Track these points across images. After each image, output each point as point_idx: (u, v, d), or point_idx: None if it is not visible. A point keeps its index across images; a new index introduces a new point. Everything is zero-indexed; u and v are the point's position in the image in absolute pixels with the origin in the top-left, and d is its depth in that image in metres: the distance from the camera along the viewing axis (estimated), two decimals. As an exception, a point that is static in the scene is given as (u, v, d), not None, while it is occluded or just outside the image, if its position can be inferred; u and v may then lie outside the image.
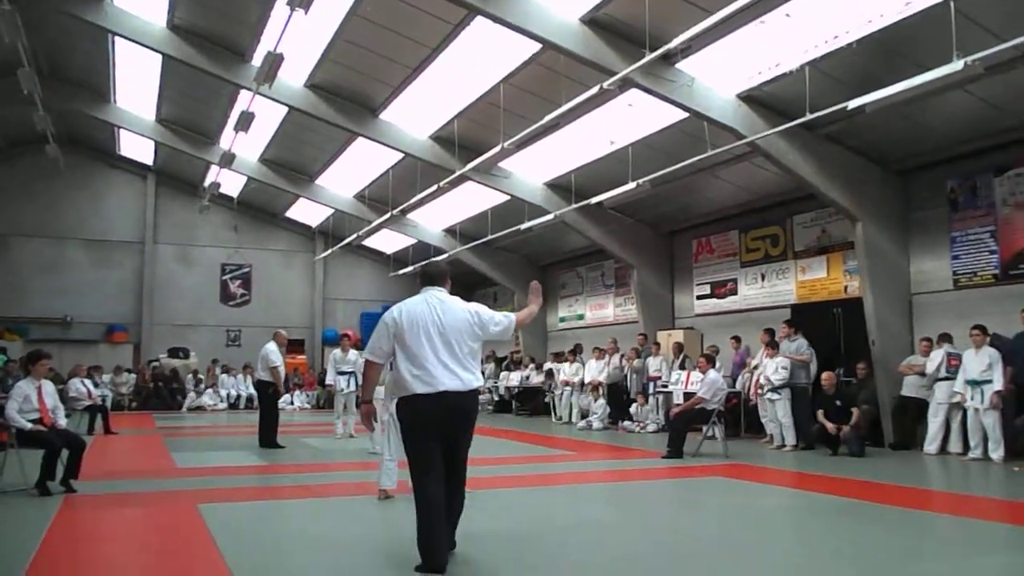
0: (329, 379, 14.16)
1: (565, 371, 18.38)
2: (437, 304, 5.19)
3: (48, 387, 8.58)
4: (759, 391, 12.75)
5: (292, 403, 23.59)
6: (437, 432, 4.99)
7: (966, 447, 10.90)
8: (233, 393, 23.87)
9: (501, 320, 5.27)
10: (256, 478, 9.86)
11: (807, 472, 9.90)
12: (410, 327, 5.09)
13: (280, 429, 12.74)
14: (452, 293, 5.45)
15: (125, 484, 8.86)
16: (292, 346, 26.38)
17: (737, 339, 15.16)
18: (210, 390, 23.47)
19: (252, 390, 23.41)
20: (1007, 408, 10.42)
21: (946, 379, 11.15)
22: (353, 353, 14.12)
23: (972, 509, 7.43)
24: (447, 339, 5.06)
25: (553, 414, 18.79)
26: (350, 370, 13.89)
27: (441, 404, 4.95)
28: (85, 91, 19.73)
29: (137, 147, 24.06)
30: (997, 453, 10.33)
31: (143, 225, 26.25)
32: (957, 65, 8.28)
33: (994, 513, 7.43)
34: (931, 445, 11.35)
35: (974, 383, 10.59)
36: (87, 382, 16.07)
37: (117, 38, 15.77)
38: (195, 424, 18.64)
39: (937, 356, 11.36)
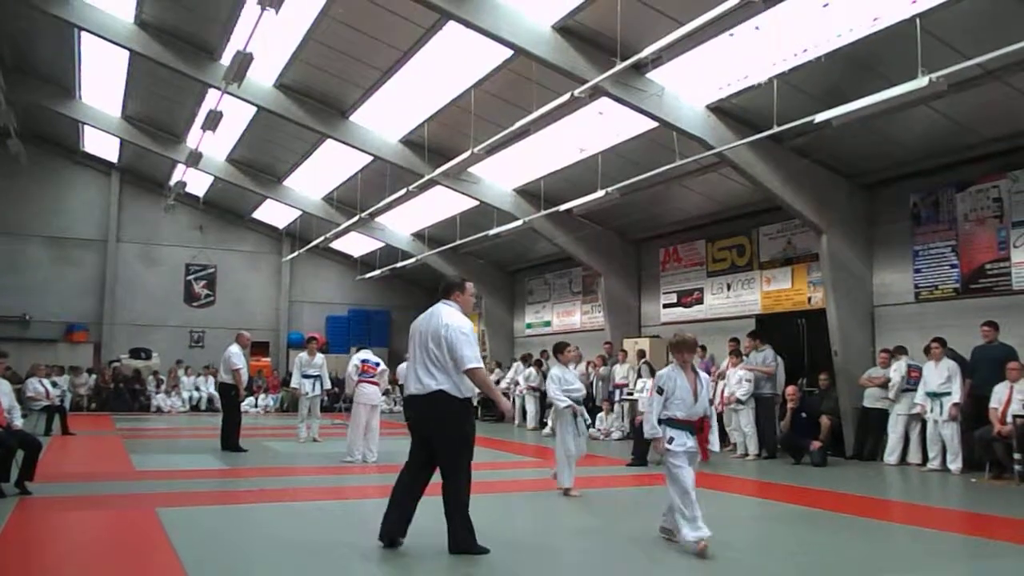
0: (294, 382, 14.03)
1: (531, 376, 18.34)
2: (432, 314, 5.81)
3: (4, 387, 8.44)
4: (724, 402, 12.83)
5: (256, 406, 23.37)
6: (414, 429, 5.85)
7: (925, 458, 11.06)
8: (195, 395, 23.58)
9: (462, 356, 5.55)
10: (216, 482, 9.73)
11: (770, 481, 9.98)
12: (411, 336, 5.88)
13: (243, 432, 12.60)
14: (420, 297, 5.69)
15: (82, 486, 8.72)
16: (257, 348, 26.10)
17: (703, 348, 15.24)
18: (173, 392, 23.16)
19: (213, 391, 23.27)
20: (965, 420, 10.58)
21: (906, 391, 11.31)
22: (319, 357, 14.04)
23: (930, 520, 7.53)
24: (424, 346, 5.67)
25: (517, 418, 18.77)
26: (315, 373, 13.80)
27: (410, 405, 5.80)
28: (50, 86, 19.40)
29: (102, 144, 23.69)
30: (955, 464, 10.49)
31: (106, 223, 25.84)
32: (922, 81, 8.41)
33: (951, 524, 7.53)
34: (891, 456, 11.50)
35: (933, 395, 10.76)
36: (45, 382, 15.78)
37: (84, 33, 15.53)
38: (155, 426, 18.38)
39: (899, 368, 11.52)
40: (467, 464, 5.68)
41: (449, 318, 5.68)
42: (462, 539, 5.57)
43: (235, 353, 12.45)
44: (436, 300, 5.98)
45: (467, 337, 5.61)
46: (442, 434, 5.63)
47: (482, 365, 5.69)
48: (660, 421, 5.92)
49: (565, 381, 8.66)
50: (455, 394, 5.56)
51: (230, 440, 12.22)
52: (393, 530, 5.69)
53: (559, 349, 9.03)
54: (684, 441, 5.90)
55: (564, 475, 8.43)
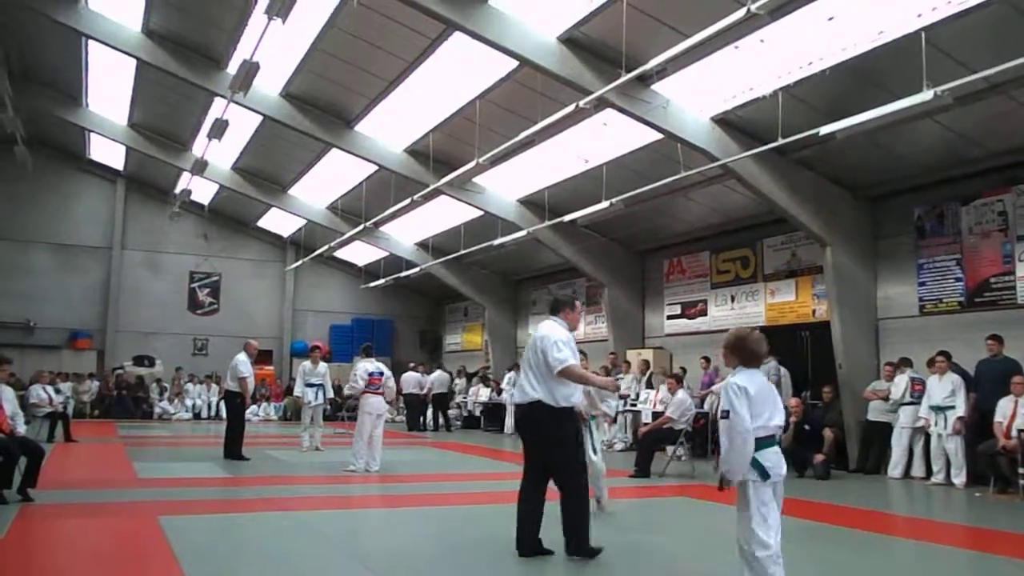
0: (297, 391, 14.03)
1: None
2: (538, 329, 6.09)
3: (8, 393, 8.43)
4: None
5: (258, 414, 23.39)
6: (522, 435, 6.17)
7: (929, 472, 11.03)
8: (199, 403, 23.58)
9: (556, 357, 5.74)
10: (219, 490, 9.72)
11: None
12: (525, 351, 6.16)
13: (245, 441, 12.58)
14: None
15: (84, 494, 8.70)
16: (260, 357, 25.99)
17: (707, 359, 15.24)
18: (176, 399, 23.19)
19: (216, 400, 23.33)
20: (970, 434, 10.55)
21: (910, 404, 11.29)
22: (323, 365, 14.03)
23: (933, 534, 7.49)
24: (527, 359, 5.97)
25: None
26: (319, 382, 13.79)
27: (516, 414, 6.17)
28: (56, 93, 19.49)
29: (108, 151, 23.77)
30: (959, 478, 10.46)
31: (111, 230, 25.89)
32: (927, 95, 8.41)
33: (955, 539, 7.50)
34: (895, 469, 11.47)
35: (938, 409, 10.74)
36: (48, 388, 15.79)
37: (91, 41, 15.60)
38: (158, 434, 18.38)
39: (902, 381, 11.50)
40: (572, 467, 5.88)
41: (547, 330, 5.95)
42: (576, 544, 5.77)
43: (242, 361, 12.44)
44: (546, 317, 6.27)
45: (558, 344, 5.79)
46: (550, 442, 5.85)
47: (573, 362, 5.79)
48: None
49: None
50: (550, 403, 5.77)
51: (233, 448, 12.20)
52: (529, 540, 5.85)
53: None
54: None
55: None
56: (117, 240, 25.92)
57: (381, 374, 11.42)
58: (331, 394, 15.30)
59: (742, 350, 4.38)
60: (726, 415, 4.16)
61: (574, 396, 5.94)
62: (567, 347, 5.81)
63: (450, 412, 21.88)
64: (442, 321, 29.11)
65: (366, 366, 11.42)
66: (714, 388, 13.34)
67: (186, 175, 21.01)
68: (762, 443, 4.19)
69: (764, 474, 4.16)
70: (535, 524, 5.85)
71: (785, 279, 14.98)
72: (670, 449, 11.86)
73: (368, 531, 7.40)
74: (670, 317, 17.87)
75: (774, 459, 4.21)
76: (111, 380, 23.66)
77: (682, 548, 6.59)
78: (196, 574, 5.17)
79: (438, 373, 21.44)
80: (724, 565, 5.92)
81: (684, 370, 15.09)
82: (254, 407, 23.51)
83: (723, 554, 6.25)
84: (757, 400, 4.18)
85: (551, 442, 5.83)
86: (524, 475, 6.00)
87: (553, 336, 5.83)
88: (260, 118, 17.09)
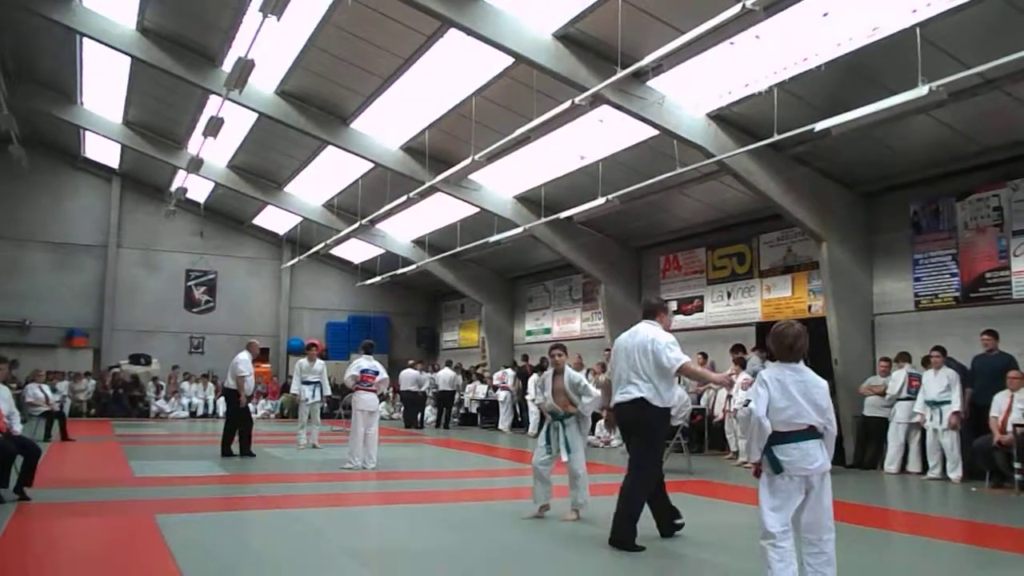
0: (294, 388, 14.02)
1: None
2: (637, 332, 6.33)
3: (4, 392, 8.42)
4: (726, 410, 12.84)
5: (256, 411, 23.38)
6: (625, 432, 6.57)
7: (925, 467, 11.05)
8: (196, 401, 23.56)
9: (672, 356, 6.09)
10: (216, 488, 9.71)
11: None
12: (615, 351, 6.46)
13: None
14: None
15: (81, 493, 8.70)
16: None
17: (703, 355, 15.25)
18: (172, 398, 23.18)
19: (212, 399, 23.38)
20: (965, 429, 10.58)
21: (906, 399, 11.31)
22: (319, 363, 14.02)
23: (930, 529, 7.52)
24: (630, 359, 6.20)
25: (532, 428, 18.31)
26: (315, 380, 13.78)
27: (618, 412, 6.36)
28: (51, 91, 19.44)
29: (103, 150, 23.70)
30: (955, 473, 10.49)
31: (107, 229, 25.83)
32: (922, 90, 8.42)
33: (951, 533, 7.52)
34: (891, 464, 11.50)
35: (933, 404, 10.76)
36: (44, 387, 15.77)
37: (85, 39, 15.55)
38: (154, 432, 18.36)
39: (899, 377, 11.53)
40: (651, 464, 6.22)
41: (653, 333, 6.23)
42: (621, 530, 6.01)
43: (243, 360, 12.48)
44: (639, 320, 6.56)
45: (670, 345, 6.13)
46: (639, 435, 6.20)
47: (688, 360, 6.19)
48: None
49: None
50: (656, 402, 6.09)
51: (229, 446, 12.25)
52: (663, 523, 6.42)
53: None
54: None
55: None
56: (113, 238, 25.87)
57: (376, 373, 11.40)
58: (328, 391, 15.29)
59: (775, 344, 4.53)
60: (746, 403, 4.45)
61: (673, 398, 6.35)
62: (677, 347, 6.17)
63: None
64: (438, 318, 29.11)
65: (360, 363, 11.42)
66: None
67: (181, 173, 20.99)
68: (783, 438, 4.28)
69: (777, 467, 4.26)
70: (666, 506, 6.42)
71: (781, 275, 15.00)
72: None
73: (365, 529, 7.40)
74: (666, 313, 17.84)
75: (794, 454, 4.26)
76: (107, 379, 23.62)
77: (677, 543, 6.59)
78: (193, 572, 5.17)
79: (445, 371, 21.45)
80: (718, 559, 5.95)
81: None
82: (249, 404, 23.48)
83: (718, 549, 6.28)
84: (779, 395, 4.31)
85: (644, 434, 6.15)
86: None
87: (662, 338, 6.17)
88: (255, 116, 17.05)
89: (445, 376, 21.20)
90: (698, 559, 6.04)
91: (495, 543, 6.50)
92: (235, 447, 12.34)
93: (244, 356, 12.58)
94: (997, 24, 8.89)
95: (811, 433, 4.31)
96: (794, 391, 4.31)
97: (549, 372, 7.61)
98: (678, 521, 6.48)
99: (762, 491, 4.34)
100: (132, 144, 21.20)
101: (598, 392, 7.53)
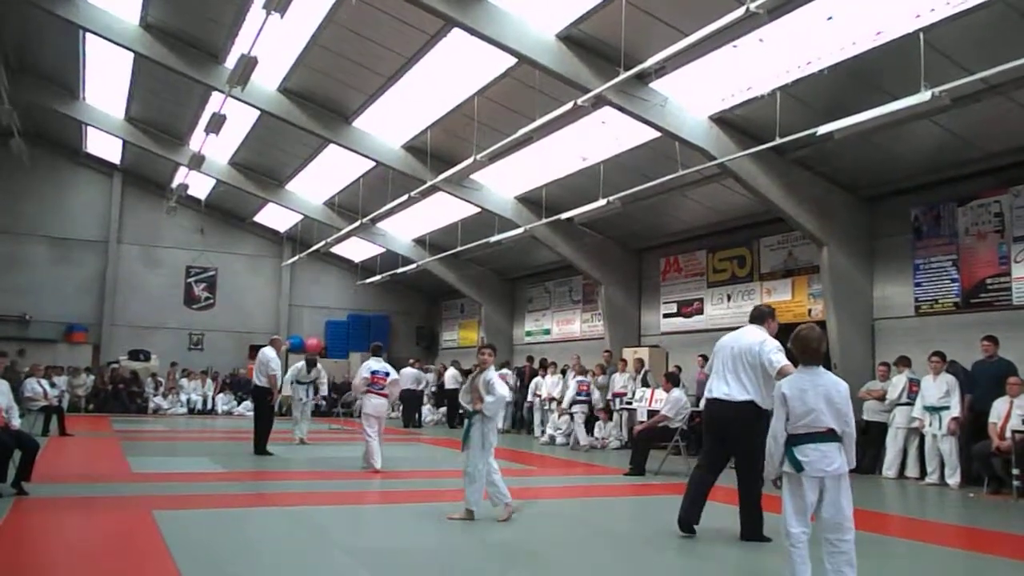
0: (286, 390, 14.08)
1: (547, 385, 17.59)
2: (744, 334, 6.66)
3: (3, 386, 8.41)
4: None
5: (252, 409, 23.43)
6: (715, 430, 6.81)
7: (923, 472, 11.04)
8: (194, 398, 23.55)
9: (775, 359, 6.30)
10: (213, 485, 9.69)
11: (767, 493, 9.93)
12: (718, 351, 6.80)
13: (239, 436, 12.57)
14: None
15: (79, 488, 8.70)
16: (254, 352, 26.13)
17: (704, 357, 15.22)
18: (170, 394, 23.18)
19: (212, 395, 23.39)
20: (964, 435, 10.57)
21: (906, 404, 11.31)
22: (317, 367, 14.17)
23: (927, 534, 7.51)
24: (735, 360, 6.52)
25: (536, 430, 17.98)
26: (309, 381, 13.95)
27: (715, 409, 6.63)
28: (54, 86, 19.45)
29: (104, 145, 23.71)
30: (954, 479, 10.48)
31: (107, 224, 25.83)
32: (924, 96, 8.42)
33: (949, 539, 7.51)
34: (889, 469, 11.48)
35: (932, 409, 10.75)
36: (43, 382, 15.76)
37: (88, 34, 15.55)
38: (152, 428, 18.35)
39: (898, 381, 11.52)
40: (761, 466, 6.03)
41: (762, 337, 6.53)
42: (750, 530, 6.47)
43: (272, 358, 12.48)
44: (747, 323, 6.91)
45: (775, 349, 6.37)
46: (746, 438, 6.37)
47: (788, 363, 6.18)
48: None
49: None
50: (762, 405, 6.30)
51: (262, 444, 12.27)
52: (689, 518, 6.59)
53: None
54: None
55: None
56: (113, 234, 25.87)
57: (387, 374, 11.09)
58: (325, 392, 15.46)
59: (800, 347, 4.67)
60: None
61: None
62: (781, 351, 6.36)
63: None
64: (438, 318, 29.10)
65: (370, 364, 11.20)
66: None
67: (183, 169, 20.99)
68: (802, 439, 4.45)
69: (798, 467, 4.41)
70: (700, 506, 6.62)
71: (781, 278, 15.00)
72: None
73: (364, 527, 7.40)
74: (666, 316, 17.88)
75: (814, 455, 4.40)
76: (106, 374, 23.61)
77: (675, 544, 6.59)
78: (190, 568, 5.16)
79: (452, 370, 21.44)
80: (714, 561, 5.94)
81: (679, 368, 15.09)
82: (247, 402, 23.52)
83: (715, 550, 6.27)
84: (798, 402, 4.47)
85: (755, 438, 6.05)
86: (702, 465, 6.80)
87: (770, 342, 6.45)
88: (258, 113, 17.08)
89: (452, 376, 21.17)
90: (689, 560, 6.02)
91: (496, 542, 6.49)
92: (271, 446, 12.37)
93: (272, 354, 12.55)
94: (1000, 30, 8.89)
95: (830, 436, 4.44)
96: (814, 396, 4.46)
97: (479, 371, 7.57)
98: (695, 525, 6.66)
99: (785, 495, 4.49)
100: (134, 140, 21.21)
101: (503, 393, 7.39)
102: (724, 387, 6.55)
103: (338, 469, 10.92)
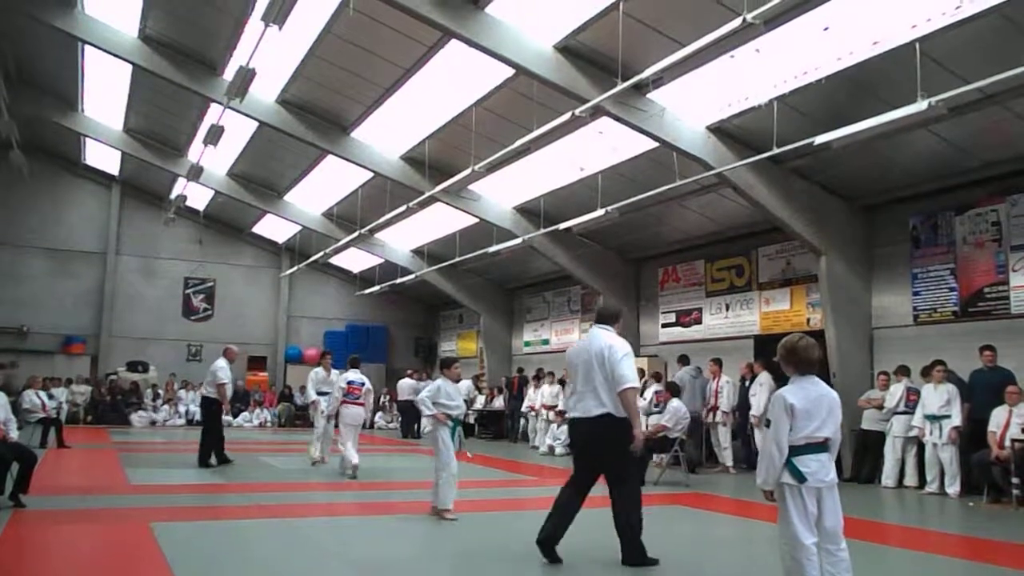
0: (310, 398, 13.61)
1: (544, 394, 17.73)
2: (592, 338, 6.04)
3: (1, 398, 8.39)
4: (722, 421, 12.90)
5: (251, 420, 23.42)
6: (580, 451, 6.22)
7: (923, 481, 11.03)
8: (193, 409, 23.48)
9: (622, 375, 5.75)
10: (211, 497, 9.68)
11: (762, 502, 9.92)
12: (571, 364, 6.13)
13: (240, 447, 12.52)
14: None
15: (77, 500, 8.68)
16: (254, 363, 26.14)
17: (698, 369, 15.20)
18: (166, 405, 23.14)
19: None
20: (963, 444, 10.56)
21: (904, 413, 11.30)
22: (334, 373, 13.94)
23: (928, 544, 7.50)
24: (589, 371, 5.90)
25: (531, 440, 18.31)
26: (329, 390, 13.76)
27: (576, 428, 6.10)
28: (52, 98, 19.47)
29: (103, 157, 23.75)
30: (953, 488, 10.47)
31: (106, 236, 25.83)
32: (921, 105, 8.45)
33: (948, 548, 7.50)
34: (888, 479, 11.47)
35: (933, 418, 10.74)
36: (41, 394, 15.72)
37: (87, 46, 15.59)
38: (150, 440, 18.31)
39: (897, 390, 11.52)
40: (634, 479, 6.03)
41: (611, 340, 5.96)
42: (631, 552, 5.88)
43: (221, 367, 12.25)
44: (593, 325, 6.31)
45: (628, 358, 5.85)
46: (610, 454, 5.89)
47: (637, 386, 5.89)
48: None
49: (447, 395, 8.42)
50: (619, 415, 5.79)
51: (207, 455, 12.02)
52: (549, 536, 5.91)
53: (446, 364, 8.94)
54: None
55: (447, 495, 8.05)
56: (112, 245, 25.87)
57: (362, 384, 11.61)
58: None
59: (795, 359, 4.54)
60: (768, 424, 4.43)
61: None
62: (630, 358, 5.99)
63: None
64: (437, 328, 29.08)
65: (348, 376, 11.58)
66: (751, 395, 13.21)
67: (181, 181, 20.99)
68: (803, 450, 4.36)
69: (800, 478, 4.32)
70: (563, 527, 5.99)
71: (780, 288, 15.00)
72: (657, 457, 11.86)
73: (361, 538, 7.37)
74: (665, 325, 17.87)
75: (814, 465, 4.35)
76: (104, 386, 23.57)
77: (675, 555, 6.57)
78: (188, 581, 5.15)
79: (462, 381, 21.31)
80: (718, 571, 5.92)
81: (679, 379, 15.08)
82: (245, 413, 23.51)
83: (716, 561, 6.25)
84: (804, 413, 4.36)
85: (613, 450, 5.93)
86: (570, 485, 6.12)
87: (618, 348, 5.98)
88: (256, 124, 17.10)
89: (462, 386, 21.06)
90: (693, 569, 6.01)
91: (492, 553, 6.47)
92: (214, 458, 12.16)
93: (223, 363, 12.31)
94: (997, 39, 8.92)
95: (825, 446, 4.42)
96: (817, 406, 4.40)
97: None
98: (555, 546, 6.02)
99: (788, 507, 4.37)
100: (132, 151, 21.22)
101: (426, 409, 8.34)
102: (580, 402, 5.97)
103: (339, 481, 10.90)
